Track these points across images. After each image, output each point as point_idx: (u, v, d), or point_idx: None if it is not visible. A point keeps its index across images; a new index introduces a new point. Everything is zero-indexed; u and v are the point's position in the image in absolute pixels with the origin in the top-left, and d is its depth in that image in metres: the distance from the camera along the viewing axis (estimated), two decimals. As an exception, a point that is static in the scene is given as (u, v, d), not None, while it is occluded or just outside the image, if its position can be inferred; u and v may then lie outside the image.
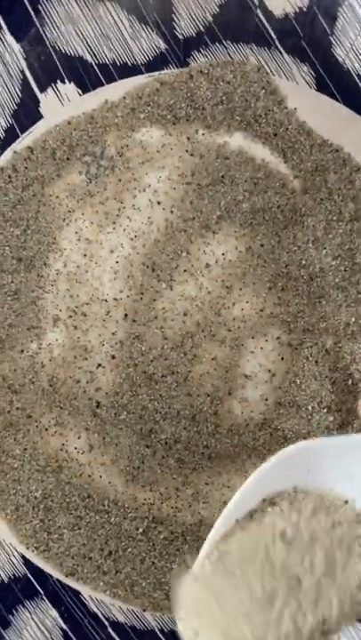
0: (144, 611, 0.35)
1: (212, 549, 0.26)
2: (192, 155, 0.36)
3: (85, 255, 0.36)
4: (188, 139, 0.36)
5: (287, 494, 0.29)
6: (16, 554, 0.34)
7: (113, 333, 0.36)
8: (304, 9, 0.31)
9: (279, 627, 0.26)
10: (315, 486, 0.29)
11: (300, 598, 0.27)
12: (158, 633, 0.34)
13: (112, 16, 0.32)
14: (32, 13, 0.30)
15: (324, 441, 0.29)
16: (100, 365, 0.35)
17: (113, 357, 0.36)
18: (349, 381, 0.36)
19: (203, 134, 0.36)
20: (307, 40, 0.33)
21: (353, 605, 0.27)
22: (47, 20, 0.32)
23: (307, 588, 0.27)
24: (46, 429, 0.36)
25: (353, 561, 0.28)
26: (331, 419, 0.37)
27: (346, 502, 0.29)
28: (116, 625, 0.34)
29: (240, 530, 0.27)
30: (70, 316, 0.36)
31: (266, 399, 0.36)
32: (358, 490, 0.29)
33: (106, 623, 0.34)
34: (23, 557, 0.35)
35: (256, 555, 0.27)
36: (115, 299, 0.36)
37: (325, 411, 0.37)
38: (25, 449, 0.36)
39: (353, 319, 0.36)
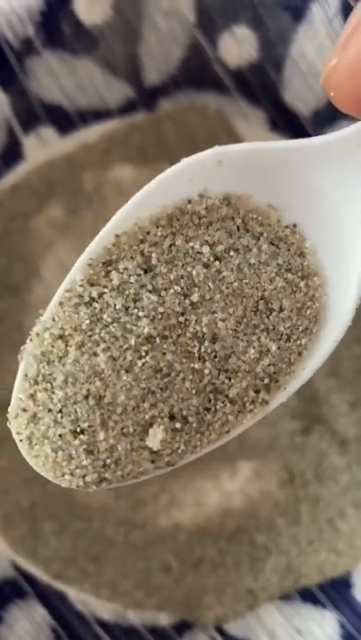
0: (126, 609, 0.37)
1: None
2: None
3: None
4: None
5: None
6: (5, 558, 0.37)
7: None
8: (254, 62, 0.36)
9: None
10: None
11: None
12: (141, 629, 0.37)
13: (87, 70, 0.36)
14: (17, 69, 0.34)
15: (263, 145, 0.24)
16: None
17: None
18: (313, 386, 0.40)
19: (170, 171, 0.40)
20: (258, 88, 0.37)
21: None
22: (30, 74, 0.35)
23: None
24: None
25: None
26: (295, 424, 0.40)
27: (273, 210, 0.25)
28: (101, 622, 0.36)
29: None
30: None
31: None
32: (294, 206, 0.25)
33: (91, 620, 0.36)
34: (12, 561, 0.37)
35: None
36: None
37: (289, 417, 0.40)
38: (12, 462, 0.38)
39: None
